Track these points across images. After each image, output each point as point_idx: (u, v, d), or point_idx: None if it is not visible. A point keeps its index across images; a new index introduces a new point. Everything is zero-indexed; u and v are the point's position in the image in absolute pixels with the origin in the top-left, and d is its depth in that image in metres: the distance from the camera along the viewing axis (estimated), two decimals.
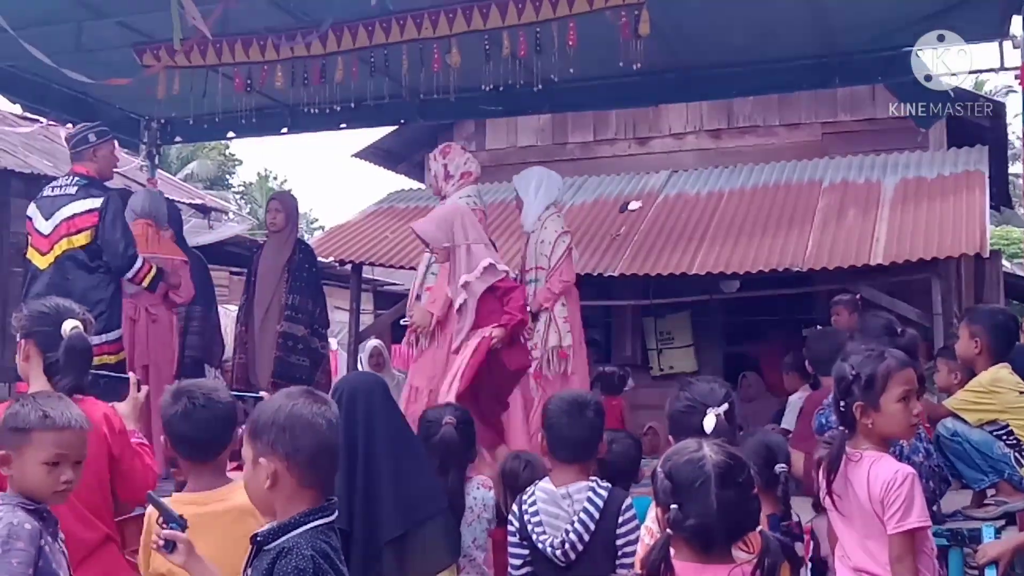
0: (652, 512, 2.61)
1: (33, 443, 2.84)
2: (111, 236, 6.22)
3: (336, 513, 2.38)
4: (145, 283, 6.50)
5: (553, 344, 6.57)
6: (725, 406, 3.01)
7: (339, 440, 2.45)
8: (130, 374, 4.26)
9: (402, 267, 9.97)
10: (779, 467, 3.51)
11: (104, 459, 3.56)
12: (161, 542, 2.66)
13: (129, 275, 6.38)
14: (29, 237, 6.45)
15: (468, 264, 5.72)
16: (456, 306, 5.77)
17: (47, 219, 6.29)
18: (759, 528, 2.33)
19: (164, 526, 2.70)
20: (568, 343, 6.62)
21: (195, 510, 3.03)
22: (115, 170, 6.89)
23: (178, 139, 9.85)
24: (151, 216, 7.37)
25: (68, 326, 3.57)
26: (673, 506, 2.27)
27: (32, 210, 6.44)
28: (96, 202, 6.24)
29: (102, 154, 6.44)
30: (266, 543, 2.32)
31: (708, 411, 2.93)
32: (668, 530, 2.27)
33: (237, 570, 2.47)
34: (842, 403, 3.26)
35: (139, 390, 3.92)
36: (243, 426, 3.24)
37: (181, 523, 2.70)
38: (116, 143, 6.83)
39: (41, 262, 6.28)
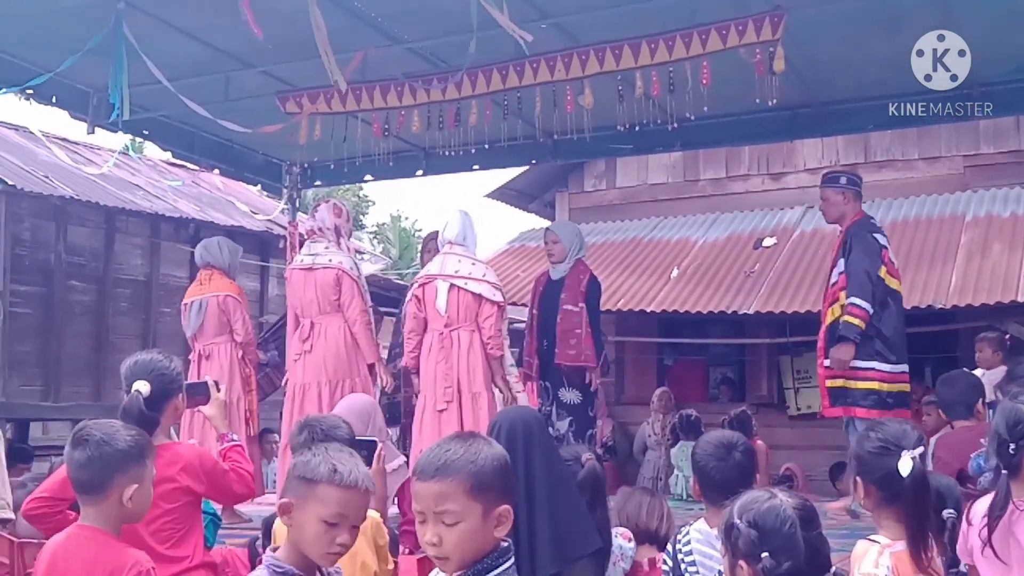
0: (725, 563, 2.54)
1: (318, 496, 2.64)
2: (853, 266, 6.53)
3: (513, 558, 2.32)
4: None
5: None
6: (921, 448, 2.91)
7: None
8: (206, 377, 4.31)
9: (523, 304, 10.04)
10: (947, 512, 3.32)
11: (195, 496, 3.72)
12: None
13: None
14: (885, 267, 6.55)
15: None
16: None
17: None
18: (833, 569, 2.39)
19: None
20: None
21: None
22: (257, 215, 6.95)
23: (318, 182, 10.10)
24: (209, 264, 7.26)
25: (134, 388, 3.59)
26: (764, 555, 2.29)
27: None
28: None
29: None
30: None
31: (903, 454, 2.84)
32: None
33: None
34: (1012, 446, 3.11)
35: (218, 391, 4.07)
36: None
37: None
38: None
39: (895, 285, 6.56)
